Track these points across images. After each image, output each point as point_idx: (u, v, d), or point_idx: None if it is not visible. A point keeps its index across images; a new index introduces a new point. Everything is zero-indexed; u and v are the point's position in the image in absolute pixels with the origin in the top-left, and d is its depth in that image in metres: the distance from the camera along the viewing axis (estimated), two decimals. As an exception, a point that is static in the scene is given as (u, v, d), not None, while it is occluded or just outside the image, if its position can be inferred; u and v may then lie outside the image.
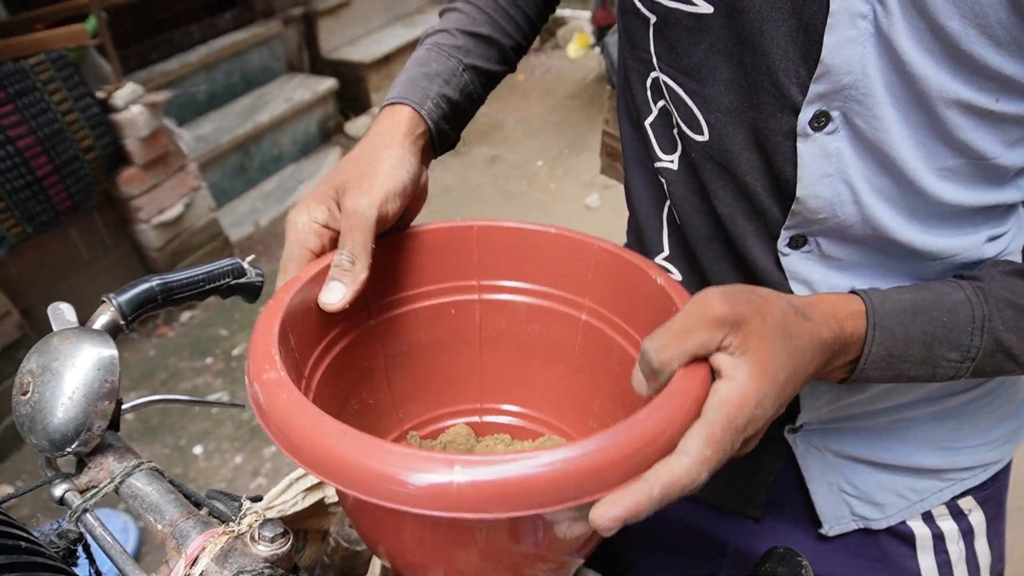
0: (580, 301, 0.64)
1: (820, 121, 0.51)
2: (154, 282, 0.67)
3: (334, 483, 0.39)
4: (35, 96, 2.10)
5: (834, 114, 0.50)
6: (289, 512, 0.70)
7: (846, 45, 0.48)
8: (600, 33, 4.39)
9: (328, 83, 3.93)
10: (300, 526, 0.75)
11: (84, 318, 0.60)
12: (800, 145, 0.52)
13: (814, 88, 0.50)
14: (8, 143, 2.05)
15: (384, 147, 0.60)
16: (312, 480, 0.72)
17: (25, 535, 0.48)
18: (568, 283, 0.65)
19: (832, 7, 0.47)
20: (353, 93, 4.18)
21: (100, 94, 2.34)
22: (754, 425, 0.42)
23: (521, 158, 3.82)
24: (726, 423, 0.40)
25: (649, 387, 0.44)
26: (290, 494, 0.72)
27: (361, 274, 0.55)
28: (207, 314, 2.80)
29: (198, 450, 2.22)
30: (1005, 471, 0.71)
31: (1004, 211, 0.56)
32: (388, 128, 0.63)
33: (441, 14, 0.75)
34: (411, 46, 4.40)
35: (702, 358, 0.43)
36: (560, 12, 5.30)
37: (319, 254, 0.58)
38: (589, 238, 0.62)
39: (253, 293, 0.76)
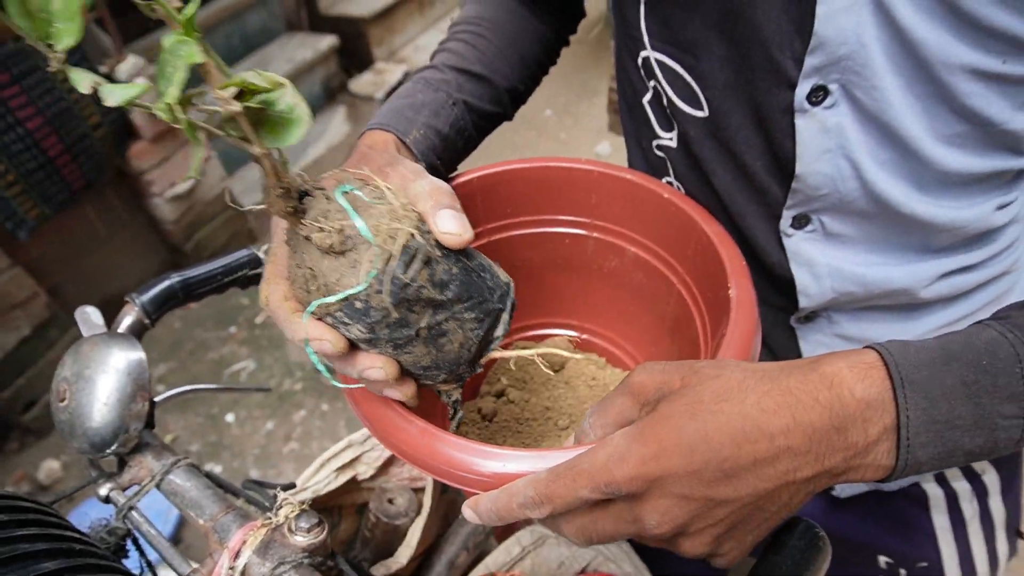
0: (680, 271, 0.66)
1: (818, 95, 0.50)
2: (174, 279, 0.69)
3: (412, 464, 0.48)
4: (39, 76, 2.09)
5: (832, 87, 0.49)
6: (323, 491, 0.73)
7: (840, 14, 0.46)
8: (604, -30, 4.25)
9: (328, 40, 3.86)
10: (334, 503, 0.78)
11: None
12: (798, 121, 0.51)
13: (809, 61, 0.49)
14: (18, 125, 2.06)
15: (388, 163, 0.49)
16: (343, 460, 0.75)
17: (78, 536, 0.51)
18: (672, 249, 0.66)
19: None
20: (355, 49, 4.11)
21: (103, 69, 2.33)
22: (623, 483, 0.37)
23: (528, 108, 3.73)
24: (563, 468, 0.39)
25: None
26: (322, 474, 0.74)
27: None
28: (227, 283, 2.84)
29: (230, 418, 2.28)
30: None
31: (1013, 177, 0.55)
32: (378, 147, 0.56)
33: (433, 56, 0.70)
34: (411, -3, 4.31)
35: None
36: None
37: None
38: (696, 212, 0.61)
39: (271, 282, 0.78)
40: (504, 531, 0.84)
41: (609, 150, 3.27)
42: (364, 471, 0.77)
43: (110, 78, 2.32)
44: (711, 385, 0.38)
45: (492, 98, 0.69)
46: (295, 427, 2.23)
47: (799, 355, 0.64)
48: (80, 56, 2.20)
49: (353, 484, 0.77)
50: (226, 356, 2.52)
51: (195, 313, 2.72)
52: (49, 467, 2.17)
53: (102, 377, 0.56)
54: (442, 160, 0.64)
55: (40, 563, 0.45)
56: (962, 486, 0.69)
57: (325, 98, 3.99)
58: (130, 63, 2.37)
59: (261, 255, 0.76)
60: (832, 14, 0.46)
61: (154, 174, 2.57)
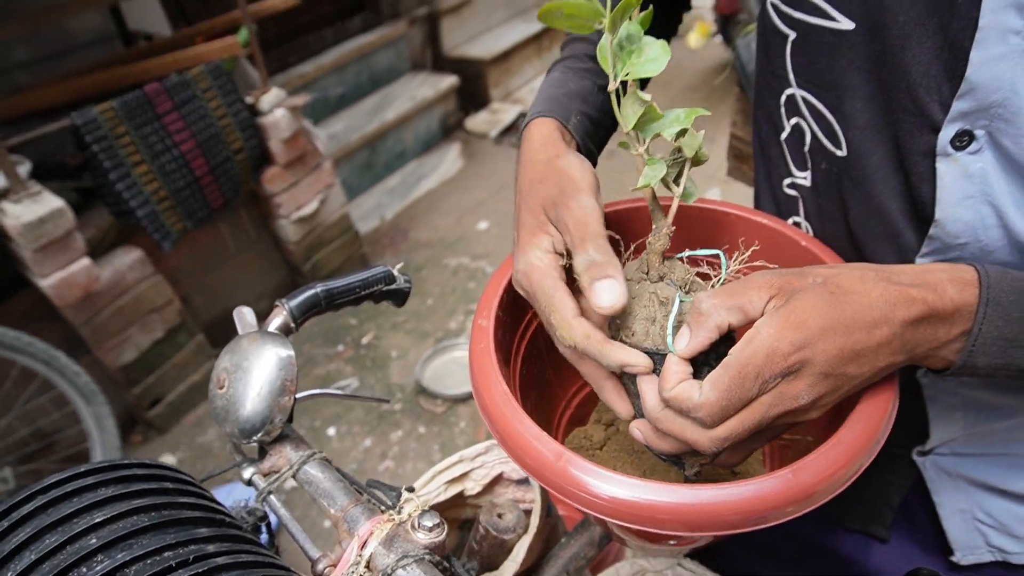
0: None
1: (962, 140, 0.50)
2: (319, 289, 0.75)
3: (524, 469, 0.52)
4: (196, 104, 2.31)
5: (978, 133, 0.49)
6: (432, 502, 0.76)
7: (995, 62, 0.46)
8: (723, 21, 4.26)
9: (449, 80, 4.06)
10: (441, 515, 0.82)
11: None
12: (940, 165, 0.51)
13: (957, 106, 0.49)
14: (174, 147, 2.28)
15: (556, 155, 0.59)
16: (453, 473, 0.78)
17: (225, 511, 0.57)
18: None
19: (981, 22, 0.46)
20: (473, 89, 4.30)
21: (248, 99, 2.54)
22: (783, 369, 0.43)
23: (638, 152, 3.78)
24: (734, 372, 0.44)
25: (692, 336, 0.47)
26: (434, 485, 0.78)
27: (617, 263, 0.51)
28: (338, 303, 2.99)
29: (331, 432, 2.38)
30: None
31: None
32: (546, 139, 0.61)
33: (563, 47, 0.75)
34: (530, 41, 4.47)
35: (750, 319, 0.46)
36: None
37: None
38: (833, 261, 0.62)
39: (402, 298, 0.83)
40: (598, 564, 0.85)
41: (720, 196, 3.23)
42: (472, 487, 0.79)
43: (254, 107, 2.53)
44: (837, 280, 0.45)
45: None
46: (391, 446, 2.30)
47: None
48: (232, 87, 2.41)
49: (460, 499, 0.80)
50: (332, 373, 2.64)
51: (305, 330, 2.87)
52: (166, 461, 2.34)
53: (257, 370, 0.62)
54: (594, 143, 0.69)
55: (198, 528, 0.50)
56: None
57: (442, 134, 4.17)
58: (273, 94, 2.58)
59: (395, 272, 0.81)
60: (987, 61, 0.46)
61: (283, 197, 2.76)
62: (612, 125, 0.73)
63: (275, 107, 2.60)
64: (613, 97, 0.51)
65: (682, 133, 0.50)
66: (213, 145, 2.40)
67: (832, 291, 0.45)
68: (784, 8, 0.60)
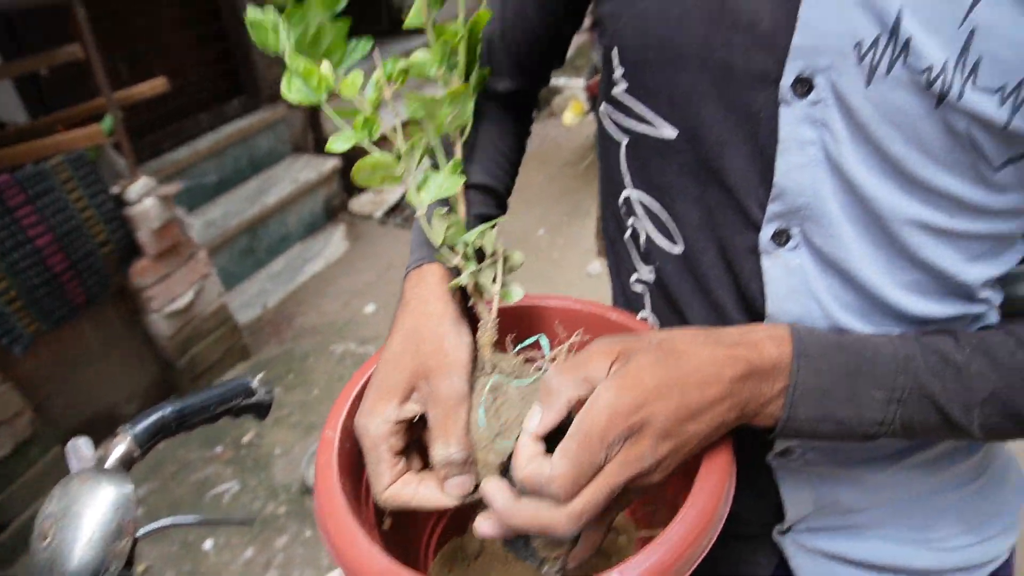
0: None
1: (781, 238, 0.53)
2: (167, 411, 0.70)
3: None
4: (54, 196, 2.17)
5: (793, 231, 0.52)
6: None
7: (797, 170, 0.50)
8: (595, 100, 4.53)
9: (332, 162, 4.04)
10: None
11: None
12: (764, 261, 0.54)
13: (771, 208, 0.52)
14: (27, 243, 2.12)
15: (435, 316, 0.55)
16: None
17: None
18: None
19: (781, 134, 0.50)
20: (358, 171, 4.30)
21: (115, 189, 2.42)
22: (625, 429, 0.44)
23: (522, 227, 3.89)
24: (580, 438, 0.44)
25: (544, 414, 0.47)
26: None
27: (468, 455, 0.51)
28: (217, 399, 2.81)
29: (208, 545, 2.20)
30: (1006, 567, 0.71)
31: (972, 320, 0.56)
32: (428, 294, 0.57)
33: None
34: (413, 122, 4.52)
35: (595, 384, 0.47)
36: (554, 81, 5.46)
37: (400, 451, 0.53)
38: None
39: (263, 411, 0.79)
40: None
41: (600, 269, 3.35)
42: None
43: (121, 198, 2.41)
44: (671, 343, 0.48)
45: (497, 204, 0.72)
46: (276, 554, 2.14)
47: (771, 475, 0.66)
48: (95, 177, 2.29)
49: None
50: (210, 477, 2.46)
51: (182, 429, 2.68)
52: (14, 594, 2.07)
53: (88, 512, 0.56)
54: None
55: None
56: None
57: (326, 217, 4.12)
58: (142, 183, 2.47)
59: (254, 385, 0.77)
60: (790, 169, 0.50)
61: (154, 290, 2.61)
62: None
63: (144, 196, 2.48)
64: (423, 222, 0.56)
65: (481, 236, 0.55)
66: (74, 239, 2.25)
67: (667, 351, 0.47)
68: (615, 116, 0.64)
